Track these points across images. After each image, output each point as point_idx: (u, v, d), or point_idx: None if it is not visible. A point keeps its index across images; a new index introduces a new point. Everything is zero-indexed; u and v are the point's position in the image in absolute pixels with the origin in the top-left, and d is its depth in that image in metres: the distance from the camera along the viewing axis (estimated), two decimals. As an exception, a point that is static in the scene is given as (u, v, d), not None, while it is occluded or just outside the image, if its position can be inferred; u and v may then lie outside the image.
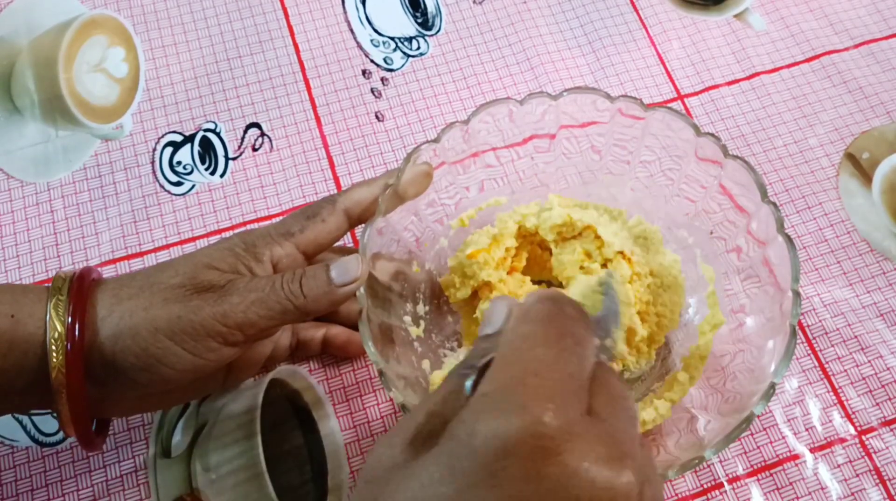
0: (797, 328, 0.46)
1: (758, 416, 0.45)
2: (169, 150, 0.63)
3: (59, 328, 0.42)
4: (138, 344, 0.42)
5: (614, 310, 0.45)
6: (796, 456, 0.53)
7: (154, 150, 0.63)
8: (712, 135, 0.52)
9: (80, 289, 0.43)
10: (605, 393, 0.31)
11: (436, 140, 0.52)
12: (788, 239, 0.48)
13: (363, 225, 0.49)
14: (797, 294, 0.47)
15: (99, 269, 0.50)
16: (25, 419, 0.54)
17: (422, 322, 0.53)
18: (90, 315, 0.43)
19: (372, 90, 0.66)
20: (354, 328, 0.53)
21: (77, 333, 0.42)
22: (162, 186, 0.62)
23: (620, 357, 0.48)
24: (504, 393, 0.29)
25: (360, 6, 0.69)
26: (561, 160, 0.57)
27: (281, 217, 0.53)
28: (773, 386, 0.45)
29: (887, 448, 0.53)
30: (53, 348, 0.42)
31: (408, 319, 0.52)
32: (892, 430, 0.54)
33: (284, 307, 0.44)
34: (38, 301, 0.43)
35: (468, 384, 0.31)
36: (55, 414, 0.43)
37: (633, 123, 0.54)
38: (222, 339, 0.43)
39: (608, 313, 0.45)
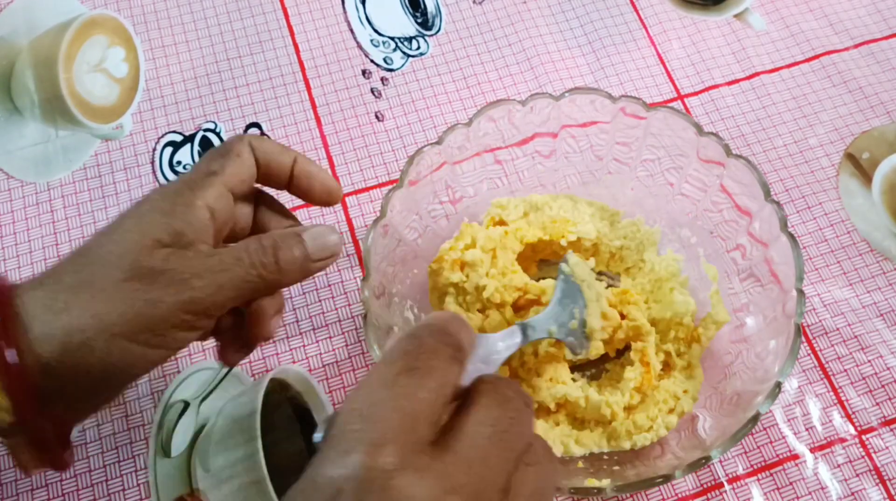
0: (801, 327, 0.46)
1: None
2: (169, 150, 0.63)
3: None
4: (94, 357, 0.37)
5: (571, 291, 0.47)
6: (796, 456, 0.53)
7: (154, 150, 0.63)
8: (714, 134, 0.52)
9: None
10: (461, 423, 0.31)
11: (438, 142, 0.52)
12: (792, 238, 0.48)
13: (366, 228, 0.49)
14: (801, 293, 0.47)
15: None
16: (25, 419, 0.54)
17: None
18: (23, 339, 0.36)
19: (372, 90, 0.66)
20: None
21: (12, 362, 0.35)
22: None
23: (591, 332, 0.48)
24: (335, 441, 0.30)
25: (360, 6, 0.69)
26: (562, 160, 0.57)
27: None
28: (778, 385, 0.45)
29: (887, 447, 0.53)
30: None
31: (410, 318, 0.53)
32: (892, 430, 0.54)
33: (255, 286, 0.40)
34: None
35: (316, 436, 0.32)
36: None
37: (635, 124, 0.54)
38: (188, 326, 0.39)
39: (562, 296, 0.47)
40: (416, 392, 0.30)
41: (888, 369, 0.56)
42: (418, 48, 0.68)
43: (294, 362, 0.56)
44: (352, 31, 0.68)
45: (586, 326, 0.48)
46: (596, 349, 0.50)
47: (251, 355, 0.52)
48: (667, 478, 0.44)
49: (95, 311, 0.37)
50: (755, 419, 0.44)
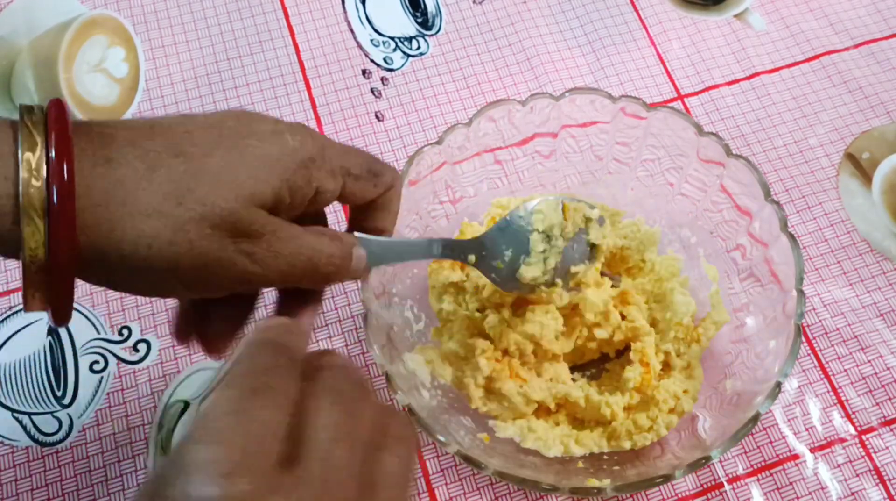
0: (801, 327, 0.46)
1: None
2: (169, 150, 0.63)
3: (35, 182, 0.31)
4: (173, 233, 0.33)
5: (517, 235, 0.48)
6: (796, 456, 0.53)
7: (154, 150, 0.63)
8: (714, 134, 0.52)
9: (62, 130, 0.32)
10: (305, 433, 0.31)
11: (438, 142, 0.52)
12: (792, 238, 0.49)
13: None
14: (801, 293, 0.47)
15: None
16: (25, 418, 0.54)
17: (423, 321, 0.54)
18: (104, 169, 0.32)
19: (372, 90, 0.66)
20: None
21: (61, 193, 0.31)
22: (162, 186, 0.62)
23: (521, 278, 0.48)
24: (186, 471, 0.28)
25: (360, 6, 0.69)
26: (562, 160, 0.57)
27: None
28: (778, 385, 0.45)
29: (887, 447, 0.53)
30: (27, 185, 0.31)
31: (410, 318, 0.53)
32: (892, 430, 0.54)
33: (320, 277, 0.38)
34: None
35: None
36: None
37: (635, 124, 0.54)
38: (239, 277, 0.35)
39: (497, 236, 0.47)
40: (259, 415, 0.30)
41: (888, 369, 0.56)
42: (418, 48, 0.68)
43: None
44: (352, 31, 0.68)
45: (518, 272, 0.48)
46: (537, 293, 0.49)
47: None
48: (667, 478, 0.44)
49: (192, 182, 0.34)
50: (755, 419, 0.44)
